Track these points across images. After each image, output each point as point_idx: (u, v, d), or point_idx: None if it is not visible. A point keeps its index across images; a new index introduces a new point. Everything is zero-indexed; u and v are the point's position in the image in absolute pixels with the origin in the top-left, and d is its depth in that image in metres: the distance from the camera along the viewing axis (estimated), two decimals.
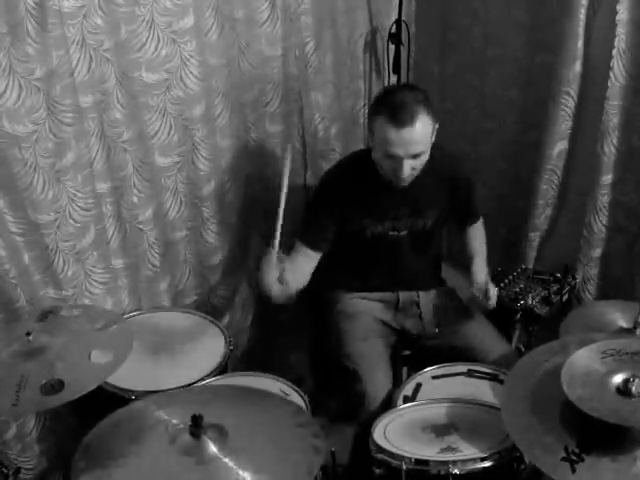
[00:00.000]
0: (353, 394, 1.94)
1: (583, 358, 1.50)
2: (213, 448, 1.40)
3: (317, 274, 2.08)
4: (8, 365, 1.58)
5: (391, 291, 2.19)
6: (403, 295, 2.19)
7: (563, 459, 1.36)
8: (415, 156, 1.87)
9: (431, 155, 1.96)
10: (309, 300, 2.24)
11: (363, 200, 2.04)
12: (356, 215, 2.05)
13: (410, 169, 1.89)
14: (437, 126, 1.92)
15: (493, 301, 2.04)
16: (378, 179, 2.00)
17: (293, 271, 1.89)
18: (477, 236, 2.28)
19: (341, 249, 2.15)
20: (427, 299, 2.20)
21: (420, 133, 1.84)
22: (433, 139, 1.92)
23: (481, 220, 2.30)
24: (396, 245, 2.11)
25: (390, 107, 1.84)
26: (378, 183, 2.01)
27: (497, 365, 1.93)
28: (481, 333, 2.09)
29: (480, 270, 2.16)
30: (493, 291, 2.04)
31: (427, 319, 2.17)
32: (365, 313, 2.14)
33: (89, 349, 1.63)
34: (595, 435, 1.38)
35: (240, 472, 1.36)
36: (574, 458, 1.35)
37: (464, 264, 2.26)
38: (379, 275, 2.17)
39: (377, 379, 1.94)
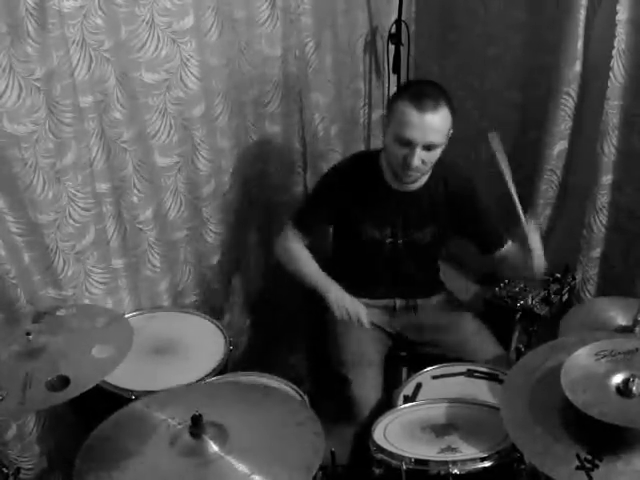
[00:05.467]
0: (345, 399, 1.94)
1: (578, 362, 1.48)
2: (214, 447, 1.40)
3: None
4: (10, 365, 1.59)
5: (388, 298, 2.18)
6: (400, 301, 2.18)
7: (577, 468, 1.33)
8: (429, 147, 1.85)
9: (433, 170, 1.96)
10: (307, 301, 2.23)
11: (363, 203, 2.03)
12: (355, 216, 2.04)
13: (420, 161, 1.86)
14: (452, 131, 1.90)
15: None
16: (380, 183, 1.98)
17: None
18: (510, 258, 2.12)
19: (339, 253, 2.14)
20: (425, 305, 2.19)
21: (440, 123, 1.84)
22: (446, 142, 1.90)
23: (510, 245, 2.13)
24: (393, 253, 2.09)
25: (415, 92, 1.86)
26: (380, 187, 1.99)
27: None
28: (477, 339, 2.08)
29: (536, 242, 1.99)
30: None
31: (425, 325, 2.15)
32: None
33: (90, 346, 1.64)
34: (603, 439, 1.36)
35: (244, 470, 1.36)
36: (588, 465, 1.33)
37: (463, 264, 2.25)
38: (376, 282, 2.16)
39: (367, 388, 1.94)
